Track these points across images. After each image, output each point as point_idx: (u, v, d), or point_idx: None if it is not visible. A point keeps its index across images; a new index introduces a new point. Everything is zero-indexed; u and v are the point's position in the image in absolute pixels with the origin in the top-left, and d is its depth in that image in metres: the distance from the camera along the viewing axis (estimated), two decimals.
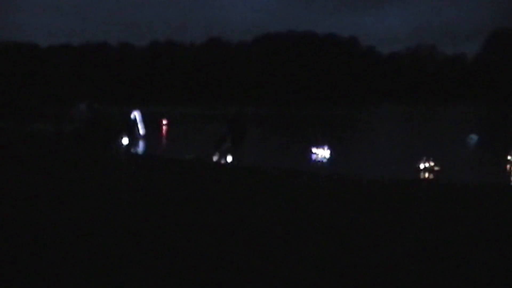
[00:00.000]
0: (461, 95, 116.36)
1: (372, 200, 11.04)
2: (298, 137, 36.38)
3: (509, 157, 21.66)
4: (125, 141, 27.05)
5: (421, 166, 19.55)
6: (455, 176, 17.61)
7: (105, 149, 21.80)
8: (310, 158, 23.30)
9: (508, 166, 21.03)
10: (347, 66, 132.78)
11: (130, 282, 5.22)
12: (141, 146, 29.37)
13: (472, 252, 6.69)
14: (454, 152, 25.86)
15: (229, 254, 6.27)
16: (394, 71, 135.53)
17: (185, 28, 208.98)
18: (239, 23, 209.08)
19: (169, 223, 7.93)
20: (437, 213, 9.49)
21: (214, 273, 5.55)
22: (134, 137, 29.98)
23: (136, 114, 32.76)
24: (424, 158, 19.81)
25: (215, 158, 20.15)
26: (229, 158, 19.53)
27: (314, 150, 24.22)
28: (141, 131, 32.70)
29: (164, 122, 45.18)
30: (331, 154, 23.65)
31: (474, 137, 32.20)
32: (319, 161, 22.74)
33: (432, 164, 19.53)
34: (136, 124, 32.23)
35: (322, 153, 23.83)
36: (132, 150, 26.12)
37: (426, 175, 18.78)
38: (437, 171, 19.10)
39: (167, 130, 42.07)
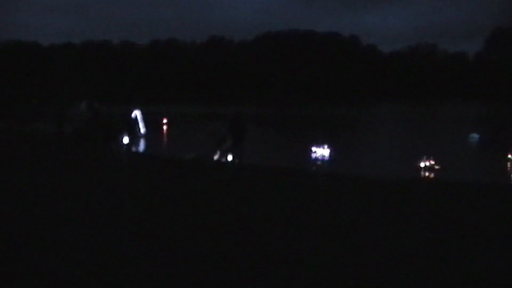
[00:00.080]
0: (462, 94, 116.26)
1: (372, 198, 11.04)
2: (298, 136, 36.37)
3: (509, 156, 21.63)
4: (125, 140, 27.04)
5: (422, 165, 19.54)
6: (456, 175, 17.61)
7: (105, 148, 21.80)
8: (310, 157, 23.29)
9: (508, 164, 21.01)
10: (348, 65, 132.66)
11: (131, 281, 5.23)
12: (141, 145, 29.37)
13: (473, 251, 6.69)
14: (454, 151, 25.83)
15: (230, 253, 6.27)
16: (395, 70, 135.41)
17: (186, 27, 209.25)
18: (240, 22, 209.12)
19: (170, 222, 7.93)
20: (438, 212, 9.49)
21: (215, 272, 5.55)
22: (134, 137, 29.96)
23: (137, 114, 32.77)
24: (425, 157, 19.80)
25: (215, 157, 20.15)
26: (230, 158, 19.52)
27: (314, 149, 24.21)
28: (142, 130, 32.70)
29: (164, 121, 45.15)
30: (331, 153, 23.64)
31: (475, 136, 32.17)
32: (319, 160, 22.74)
33: (432, 163, 19.51)
34: (137, 123, 32.23)
35: (322, 152, 23.82)
36: (133, 149, 26.12)
37: (427, 174, 18.77)
38: (437, 170, 19.08)
39: (168, 130, 42.07)
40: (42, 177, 12.48)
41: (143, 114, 34.09)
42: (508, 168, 20.59)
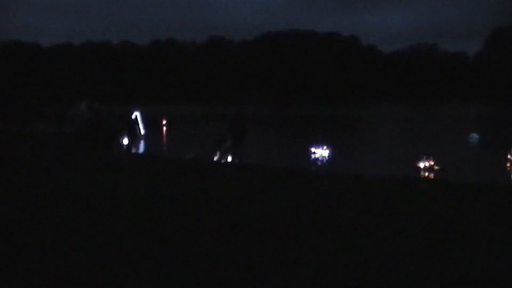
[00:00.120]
0: (462, 93, 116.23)
1: (372, 198, 11.04)
2: (298, 136, 36.38)
3: (509, 156, 21.63)
4: (125, 141, 27.05)
5: (421, 165, 19.54)
6: (456, 175, 17.62)
7: (105, 148, 21.81)
8: (310, 158, 23.30)
9: (508, 165, 21.01)
10: (348, 65, 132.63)
11: (131, 282, 5.23)
12: (141, 146, 29.39)
13: (473, 251, 6.70)
14: (454, 151, 25.84)
15: (230, 253, 6.28)
16: (395, 70, 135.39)
17: (186, 27, 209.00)
18: (240, 22, 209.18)
19: (170, 222, 7.94)
20: (437, 212, 9.49)
21: (215, 272, 5.56)
22: (134, 138, 29.96)
23: (137, 115, 32.80)
24: (424, 157, 19.80)
25: (215, 158, 20.15)
26: (230, 158, 19.52)
27: (313, 149, 24.21)
28: (141, 131, 32.74)
29: (164, 122, 45.20)
30: (330, 153, 23.65)
31: (474, 136, 32.19)
32: (318, 160, 22.74)
33: (432, 163, 19.51)
34: (137, 124, 32.25)
35: (321, 152, 23.82)
36: (133, 150, 26.13)
37: (426, 174, 18.77)
38: (437, 170, 19.08)
39: (167, 130, 42.10)
40: (42, 177, 12.49)
41: (143, 114, 34.13)
42: (508, 168, 20.59)
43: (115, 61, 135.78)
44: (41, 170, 13.79)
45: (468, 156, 25.07)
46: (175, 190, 11.43)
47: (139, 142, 30.06)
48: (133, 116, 32.20)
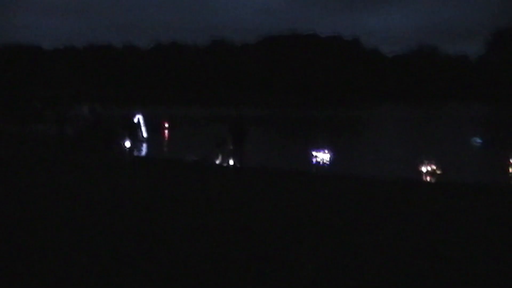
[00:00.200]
0: (464, 95, 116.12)
1: (373, 199, 11.03)
2: (300, 139, 36.36)
3: (511, 160, 21.55)
4: (127, 144, 27.12)
5: (423, 169, 19.48)
6: (457, 177, 17.58)
7: (106, 150, 21.87)
8: (311, 160, 23.25)
9: (510, 168, 20.93)
10: (350, 67, 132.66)
11: (133, 282, 5.24)
12: (143, 148, 29.41)
13: (473, 252, 6.68)
14: (456, 154, 25.78)
15: (231, 254, 6.28)
16: (397, 72, 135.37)
17: (188, 30, 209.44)
18: (242, 25, 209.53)
19: (171, 223, 7.94)
20: (438, 213, 9.47)
21: (217, 273, 5.56)
22: (137, 140, 30.03)
23: (139, 118, 32.86)
24: (426, 162, 19.75)
25: (217, 161, 20.18)
26: (231, 161, 19.54)
27: (314, 153, 24.13)
28: (144, 134, 32.79)
29: (166, 125, 45.21)
30: (331, 157, 23.57)
31: (477, 140, 32.09)
32: (319, 164, 22.66)
33: (434, 167, 19.46)
34: (139, 127, 32.32)
35: (322, 156, 23.73)
36: (135, 152, 26.18)
37: (428, 178, 18.71)
38: (439, 174, 19.03)
39: (169, 133, 42.12)
40: (43, 178, 12.51)
41: (145, 117, 34.15)
42: (510, 170, 20.53)
43: (117, 64, 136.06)
44: (42, 171, 13.81)
45: (470, 159, 25.01)
46: (175, 191, 11.44)
47: (141, 145, 30.09)
48: (135, 119, 32.32)
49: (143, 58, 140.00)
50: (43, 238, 6.85)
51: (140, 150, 28.27)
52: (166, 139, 38.74)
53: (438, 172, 19.22)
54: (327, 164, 22.65)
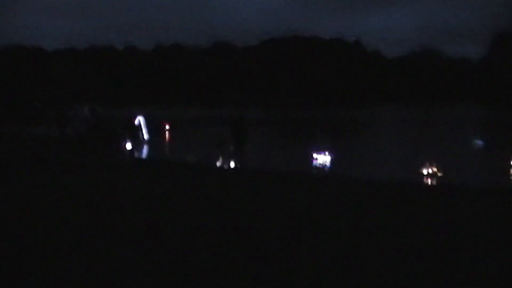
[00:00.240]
0: (465, 97, 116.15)
1: (373, 202, 11.01)
2: (301, 140, 36.38)
3: None
4: (128, 145, 27.13)
5: (424, 171, 19.45)
6: (458, 179, 17.56)
7: (107, 151, 21.89)
8: (311, 163, 23.23)
9: (511, 170, 20.90)
10: (352, 69, 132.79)
11: (131, 283, 5.24)
12: (144, 150, 29.44)
13: (475, 256, 6.65)
14: (457, 156, 25.76)
15: (232, 256, 6.26)
16: (398, 74, 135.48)
17: (189, 31, 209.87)
18: (243, 26, 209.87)
19: (170, 224, 7.94)
20: (439, 217, 9.45)
21: (217, 275, 5.55)
22: (138, 142, 30.07)
23: (140, 119, 32.92)
24: (427, 164, 19.72)
25: (218, 163, 20.18)
26: (232, 163, 19.55)
27: (315, 155, 24.08)
28: (145, 136, 32.84)
29: (167, 126, 45.27)
30: (332, 159, 23.52)
31: (478, 142, 32.07)
32: (320, 167, 22.62)
33: (435, 170, 19.42)
34: (140, 129, 32.37)
35: (323, 158, 23.69)
36: (136, 154, 26.19)
37: (429, 180, 18.69)
38: (440, 176, 19.00)
39: (170, 134, 42.17)
40: (45, 180, 12.51)
41: (146, 118, 34.20)
42: (511, 172, 20.50)
43: (118, 65, 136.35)
44: (42, 172, 13.81)
45: (471, 161, 24.98)
46: (177, 193, 11.43)
47: (142, 146, 30.12)
48: (136, 121, 32.36)
49: (144, 59, 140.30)
50: (43, 239, 6.85)
51: (141, 151, 28.28)
52: (167, 140, 38.77)
53: (439, 174, 19.19)
54: (328, 167, 22.61)
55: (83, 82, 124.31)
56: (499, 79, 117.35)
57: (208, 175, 16.29)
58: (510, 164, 21.41)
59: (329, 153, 24.03)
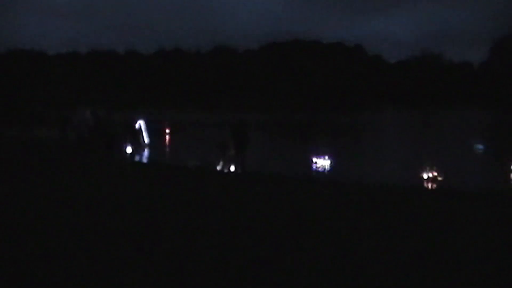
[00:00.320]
0: (467, 102, 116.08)
1: (373, 205, 11.02)
2: (301, 144, 36.40)
3: None
4: (129, 148, 27.19)
5: (424, 175, 19.46)
6: (458, 183, 17.57)
7: (108, 154, 21.93)
8: (311, 167, 23.23)
9: (511, 174, 20.90)
10: (353, 74, 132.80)
11: (133, 285, 5.27)
12: (145, 154, 29.48)
13: (475, 260, 6.67)
14: (458, 160, 25.76)
15: (233, 259, 6.29)
16: (399, 78, 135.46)
17: (191, 35, 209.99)
18: (244, 30, 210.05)
19: (171, 227, 7.96)
20: (440, 221, 9.46)
21: (217, 277, 5.57)
22: (138, 145, 30.11)
23: (141, 123, 32.97)
24: (428, 168, 19.73)
25: (219, 167, 20.20)
26: (232, 167, 19.57)
27: (314, 159, 24.06)
28: (146, 140, 32.88)
29: (167, 130, 45.37)
30: (332, 164, 23.50)
31: (479, 147, 32.07)
32: (319, 171, 22.61)
33: (435, 174, 19.43)
34: (141, 133, 32.43)
35: (322, 163, 23.67)
36: (137, 157, 26.23)
37: (429, 184, 18.70)
38: (440, 180, 19.01)
39: (171, 137, 42.24)
40: (46, 182, 12.54)
41: (147, 122, 34.25)
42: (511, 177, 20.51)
43: (120, 69, 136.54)
44: (44, 174, 13.85)
45: (471, 165, 24.98)
46: (177, 197, 11.45)
47: (143, 150, 30.16)
48: (137, 125, 32.42)
49: (145, 63, 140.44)
50: (43, 239, 6.88)
51: (141, 154, 28.33)
52: (168, 144, 38.81)
53: (440, 178, 19.20)
54: (328, 171, 22.60)
55: (85, 85, 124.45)
56: (500, 83, 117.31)
57: (208, 177, 16.31)
58: (511, 168, 21.41)
59: (329, 157, 24.02)
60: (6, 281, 5.28)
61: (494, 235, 8.27)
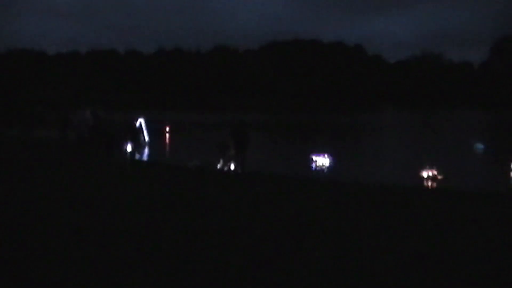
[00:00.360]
0: (467, 102, 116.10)
1: (373, 205, 11.02)
2: (301, 144, 36.39)
3: None
4: (129, 148, 27.15)
5: (424, 174, 19.47)
6: (458, 183, 17.58)
7: (108, 154, 21.92)
8: (311, 166, 23.24)
9: (511, 174, 20.91)
10: (353, 74, 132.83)
11: (133, 285, 5.27)
12: (145, 153, 29.47)
13: (475, 259, 6.67)
14: (458, 160, 25.76)
15: (233, 258, 6.29)
16: (399, 78, 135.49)
17: (191, 35, 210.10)
18: (245, 30, 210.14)
19: (171, 227, 7.96)
20: (440, 220, 9.46)
21: (217, 277, 5.57)
22: (138, 144, 30.08)
23: (141, 122, 32.96)
24: (427, 167, 19.74)
25: (219, 166, 20.18)
26: (232, 166, 19.56)
27: (314, 158, 24.07)
28: (146, 138, 32.88)
29: (167, 129, 45.36)
30: (331, 162, 23.51)
31: (480, 146, 32.06)
32: (319, 169, 22.61)
33: (435, 173, 19.44)
34: (141, 131, 32.41)
35: (322, 161, 23.67)
36: (137, 157, 26.21)
37: (429, 184, 18.71)
38: (440, 180, 19.01)
39: (170, 137, 42.23)
40: (46, 182, 12.54)
41: (147, 121, 34.25)
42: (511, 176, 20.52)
43: (120, 69, 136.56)
44: (44, 174, 13.85)
45: (472, 165, 24.99)
46: (178, 197, 11.45)
47: (143, 149, 30.15)
48: (137, 124, 32.39)
49: (145, 63, 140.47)
50: (44, 239, 6.88)
51: (141, 154, 28.32)
52: (168, 143, 38.80)
53: (440, 177, 19.21)
54: (327, 169, 22.61)
55: (85, 85, 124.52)
56: (500, 83, 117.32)
57: (208, 177, 16.31)
58: (511, 168, 21.42)
59: (328, 156, 24.03)
60: (6, 281, 5.29)
61: (494, 235, 8.27)
